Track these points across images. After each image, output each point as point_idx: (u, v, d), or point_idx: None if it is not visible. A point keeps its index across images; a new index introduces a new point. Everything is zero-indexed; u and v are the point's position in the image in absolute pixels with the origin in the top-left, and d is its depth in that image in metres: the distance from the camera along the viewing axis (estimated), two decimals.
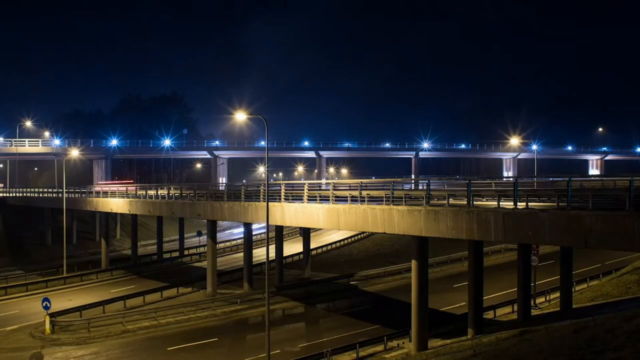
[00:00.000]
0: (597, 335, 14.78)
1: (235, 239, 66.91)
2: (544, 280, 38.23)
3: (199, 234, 59.76)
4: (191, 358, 28.42)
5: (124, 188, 53.80)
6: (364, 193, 27.66)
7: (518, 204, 21.00)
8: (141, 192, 50.27)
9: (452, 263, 49.57)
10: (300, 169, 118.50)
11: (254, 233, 46.96)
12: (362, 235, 65.07)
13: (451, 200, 24.30)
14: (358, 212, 27.21)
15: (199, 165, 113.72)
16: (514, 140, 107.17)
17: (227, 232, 78.15)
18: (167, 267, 53.83)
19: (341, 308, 38.06)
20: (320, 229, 63.42)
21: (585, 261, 44.15)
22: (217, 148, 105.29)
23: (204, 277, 42.02)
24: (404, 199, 25.97)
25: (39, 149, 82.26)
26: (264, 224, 31.27)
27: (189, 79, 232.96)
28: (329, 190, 30.71)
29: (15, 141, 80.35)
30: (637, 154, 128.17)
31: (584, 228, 18.48)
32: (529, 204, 21.62)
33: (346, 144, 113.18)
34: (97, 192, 55.02)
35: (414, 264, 26.35)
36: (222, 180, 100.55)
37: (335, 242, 63.00)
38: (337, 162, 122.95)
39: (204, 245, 54.52)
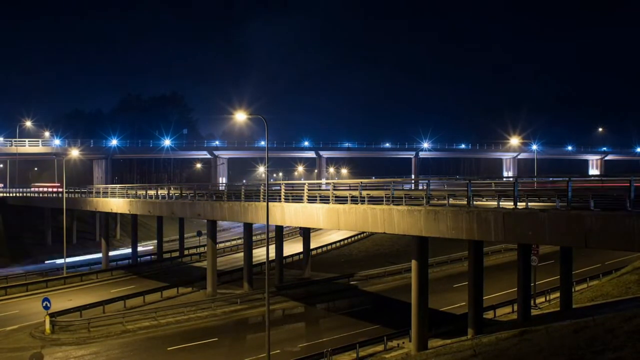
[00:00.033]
0: (597, 335, 14.78)
1: (235, 239, 66.96)
2: (544, 280, 38.23)
3: (199, 234, 59.80)
4: (191, 358, 28.42)
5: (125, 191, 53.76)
6: (364, 193, 27.66)
7: (518, 204, 21.00)
8: (141, 192, 50.25)
9: (452, 263, 49.57)
10: (300, 169, 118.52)
11: (254, 233, 46.95)
12: (362, 235, 65.07)
13: (451, 200, 24.30)
14: (358, 212, 27.21)
15: (199, 165, 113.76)
16: (514, 140, 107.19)
17: (228, 232, 78.16)
18: (167, 267, 53.86)
19: (341, 308, 38.06)
20: (320, 229, 63.43)
21: (585, 261, 44.15)
22: (217, 148, 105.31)
23: (204, 277, 42.02)
24: (404, 199, 25.97)
25: (39, 149, 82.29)
26: (264, 224, 31.27)
27: (189, 79, 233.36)
28: (329, 190, 30.71)
29: (15, 141, 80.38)
30: (637, 154, 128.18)
31: (584, 228, 18.49)
32: (529, 204, 21.63)
33: (346, 144, 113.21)
34: (97, 192, 55.04)
35: (414, 264, 26.35)
36: (222, 180, 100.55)
37: (335, 242, 63.01)
38: (337, 162, 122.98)
39: (204, 245, 54.56)
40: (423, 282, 26.10)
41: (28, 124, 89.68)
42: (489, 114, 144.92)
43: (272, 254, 36.38)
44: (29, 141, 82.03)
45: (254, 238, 47.10)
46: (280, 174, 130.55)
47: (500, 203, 21.96)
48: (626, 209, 17.41)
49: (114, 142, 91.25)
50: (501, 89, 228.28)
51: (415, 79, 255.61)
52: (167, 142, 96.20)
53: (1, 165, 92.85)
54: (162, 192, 48.86)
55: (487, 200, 24.18)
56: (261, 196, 34.96)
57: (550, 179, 33.64)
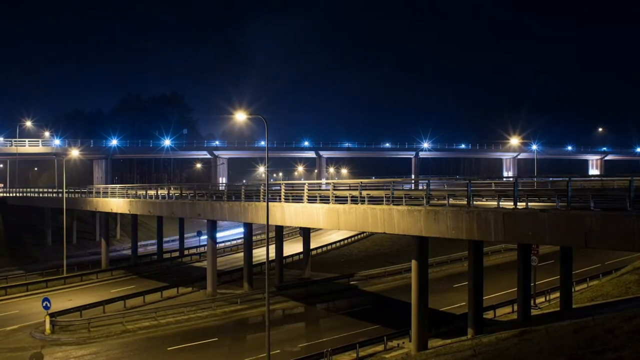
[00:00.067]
0: (597, 335, 14.78)
1: (235, 239, 66.97)
2: (544, 280, 38.23)
3: (199, 234, 59.80)
4: (191, 358, 28.42)
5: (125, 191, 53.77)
6: (364, 193, 27.66)
7: (518, 204, 21.00)
8: (141, 192, 50.25)
9: (452, 263, 49.58)
10: (300, 169, 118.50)
11: (254, 233, 46.97)
12: (362, 235, 65.08)
13: (451, 200, 24.30)
14: (358, 212, 27.21)
15: (199, 165, 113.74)
16: (514, 140, 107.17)
17: (228, 231, 78.15)
18: (167, 267, 53.87)
19: (341, 308, 38.06)
20: (320, 229, 63.42)
21: (585, 261, 44.16)
22: (217, 148, 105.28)
23: (204, 277, 42.03)
24: (404, 199, 25.98)
25: (39, 149, 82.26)
26: (264, 224, 31.27)
27: (189, 79, 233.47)
28: (329, 190, 30.71)
29: (15, 141, 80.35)
30: (637, 154, 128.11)
31: (584, 228, 18.49)
32: (529, 204, 21.63)
33: (346, 144, 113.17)
34: (97, 192, 55.05)
35: (414, 264, 26.36)
36: (222, 180, 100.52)
37: (335, 242, 63.02)
38: (337, 162, 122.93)
39: (203, 245, 54.56)
40: (423, 282, 26.11)
41: (28, 124, 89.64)
42: (489, 114, 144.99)
43: (272, 254, 36.40)
44: (29, 141, 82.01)
45: (254, 238, 47.11)
46: (280, 174, 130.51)
47: (500, 203, 21.97)
48: (626, 209, 17.41)
49: (114, 142, 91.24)
50: (501, 89, 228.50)
51: (415, 79, 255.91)
52: (167, 142, 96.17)
53: (1, 165, 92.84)
54: (162, 192, 48.86)
55: (487, 200, 24.18)
56: (261, 196, 34.97)
57: (550, 179, 33.59)
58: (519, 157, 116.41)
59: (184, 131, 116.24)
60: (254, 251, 43.60)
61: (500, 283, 38.72)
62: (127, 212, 51.88)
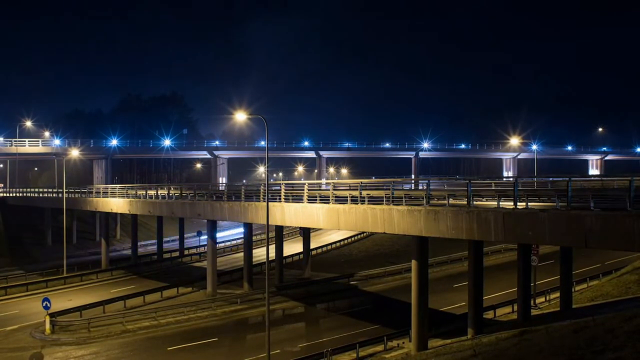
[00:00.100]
0: (597, 335, 14.78)
1: (235, 239, 66.96)
2: (544, 280, 38.23)
3: (199, 234, 59.79)
4: (191, 358, 28.42)
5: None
6: (364, 193, 27.66)
7: (518, 204, 21.00)
8: (141, 192, 50.26)
9: (452, 263, 49.58)
10: (300, 169, 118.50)
11: (254, 233, 46.97)
12: (362, 235, 65.08)
13: (451, 200, 24.30)
14: (358, 212, 27.21)
15: (199, 165, 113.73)
16: (514, 140, 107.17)
17: (228, 231, 78.18)
18: (167, 267, 53.87)
19: (341, 308, 38.06)
20: (320, 229, 63.43)
21: (585, 261, 44.16)
22: (217, 148, 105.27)
23: (204, 277, 42.03)
24: (404, 199, 25.98)
25: (39, 149, 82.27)
26: (264, 224, 31.28)
27: (189, 79, 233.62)
28: (329, 190, 30.71)
29: (15, 141, 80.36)
30: (637, 154, 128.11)
31: (584, 228, 18.49)
32: (529, 204, 21.63)
33: (346, 144, 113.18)
34: (97, 192, 55.05)
35: (414, 264, 26.36)
36: (222, 180, 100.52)
37: (335, 242, 63.02)
38: (337, 162, 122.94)
39: (204, 245, 54.55)
40: (423, 282, 26.11)
41: (28, 124, 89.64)
42: (489, 114, 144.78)
43: (272, 254, 36.39)
44: (29, 141, 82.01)
45: (254, 238, 47.11)
46: (280, 174, 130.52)
47: (500, 203, 21.97)
48: (626, 209, 17.41)
49: (114, 142, 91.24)
50: (501, 89, 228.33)
51: (415, 79, 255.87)
52: (167, 142, 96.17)
53: (1, 165, 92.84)
54: (162, 192, 48.86)
55: (487, 200, 24.18)
56: (261, 196, 34.97)
57: (550, 179, 33.57)
58: (519, 157, 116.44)
59: (184, 131, 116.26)
60: (254, 251, 43.57)
61: (500, 283, 38.72)
62: (127, 212, 51.88)
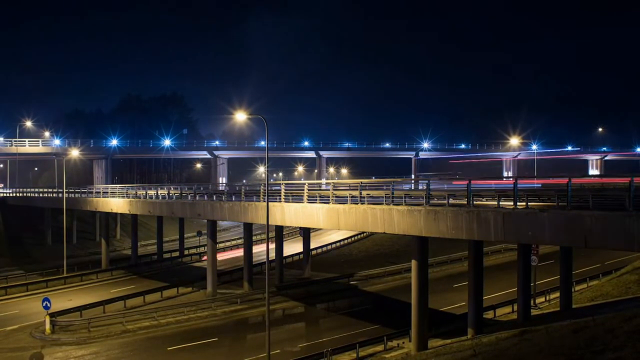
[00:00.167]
0: (597, 335, 14.78)
1: (235, 239, 66.94)
2: (544, 280, 38.24)
3: (199, 234, 59.78)
4: (191, 358, 28.43)
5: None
6: (364, 193, 27.67)
7: (518, 204, 21.01)
8: (141, 192, 50.27)
9: (452, 263, 49.58)
10: (300, 169, 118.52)
11: (254, 233, 46.92)
12: (362, 235, 65.07)
13: (451, 200, 24.31)
14: (358, 212, 27.22)
15: (199, 165, 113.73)
16: (514, 140, 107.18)
17: (228, 231, 78.17)
18: (167, 267, 53.86)
19: (341, 308, 38.07)
20: (320, 229, 63.42)
21: (585, 261, 44.16)
22: (217, 148, 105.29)
23: (204, 277, 42.02)
24: (404, 199, 25.99)
25: (39, 149, 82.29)
26: (264, 224, 31.28)
27: (189, 79, 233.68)
28: (329, 190, 30.71)
29: (15, 141, 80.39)
30: (637, 154, 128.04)
31: (584, 228, 18.49)
32: (529, 204, 21.63)
33: (346, 144, 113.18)
34: (97, 192, 55.06)
35: (414, 264, 26.36)
36: (222, 180, 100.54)
37: (335, 242, 63.01)
38: (337, 162, 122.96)
39: (203, 245, 54.54)
40: (423, 282, 26.11)
41: (28, 124, 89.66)
42: (489, 114, 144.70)
43: (272, 254, 36.36)
44: (29, 141, 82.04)
45: (254, 238, 47.10)
46: (280, 174, 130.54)
47: (500, 203, 21.97)
48: (626, 209, 17.41)
49: (114, 142, 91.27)
50: (501, 89, 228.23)
51: (415, 79, 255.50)
52: (167, 142, 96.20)
53: (1, 165, 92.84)
54: (162, 192, 48.82)
55: (487, 200, 24.19)
56: (261, 196, 34.98)
57: (550, 178, 33.63)
58: (518, 157, 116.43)
59: (184, 131, 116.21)
60: (254, 251, 43.56)
61: (500, 283, 38.72)
62: (127, 212, 51.89)
